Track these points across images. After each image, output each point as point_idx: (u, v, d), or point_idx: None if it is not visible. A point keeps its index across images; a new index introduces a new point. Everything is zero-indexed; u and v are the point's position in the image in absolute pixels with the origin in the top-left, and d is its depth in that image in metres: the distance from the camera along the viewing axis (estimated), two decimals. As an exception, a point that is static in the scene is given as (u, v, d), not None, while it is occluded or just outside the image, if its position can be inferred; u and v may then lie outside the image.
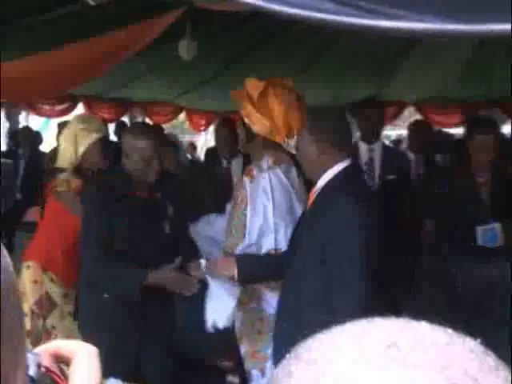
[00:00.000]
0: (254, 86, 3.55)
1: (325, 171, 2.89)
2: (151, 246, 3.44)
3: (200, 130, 12.66)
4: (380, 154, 4.93)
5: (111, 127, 9.49)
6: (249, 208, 3.50)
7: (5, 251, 0.56)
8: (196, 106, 10.90)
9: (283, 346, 2.70)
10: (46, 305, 3.92)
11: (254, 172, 3.58)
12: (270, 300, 3.51)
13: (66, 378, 0.67)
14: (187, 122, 12.56)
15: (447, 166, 6.19)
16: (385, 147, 5.07)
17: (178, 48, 5.24)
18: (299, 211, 3.48)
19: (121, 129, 9.23)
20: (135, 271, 3.34)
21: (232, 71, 7.80)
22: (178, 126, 16.14)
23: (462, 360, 0.47)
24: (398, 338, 0.49)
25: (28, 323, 3.88)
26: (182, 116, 11.97)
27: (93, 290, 3.51)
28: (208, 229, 4.17)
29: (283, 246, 3.45)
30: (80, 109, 9.54)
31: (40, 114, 9.48)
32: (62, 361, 0.69)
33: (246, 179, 3.57)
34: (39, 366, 0.63)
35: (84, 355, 0.69)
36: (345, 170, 2.88)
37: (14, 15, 4.91)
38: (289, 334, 2.75)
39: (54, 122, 9.72)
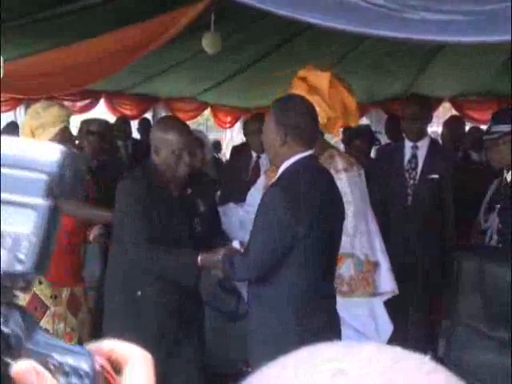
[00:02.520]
0: (319, 77, 3.62)
1: (286, 160, 3.01)
2: (183, 243, 3.42)
3: (225, 127, 12.53)
4: (425, 152, 4.77)
5: (134, 124, 9.36)
6: None
7: None
8: (221, 102, 10.76)
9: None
10: (37, 307, 3.74)
11: (331, 171, 3.59)
12: None
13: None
14: (212, 119, 12.44)
15: (483, 162, 5.98)
16: (432, 145, 4.85)
17: (202, 42, 5.19)
18: (372, 218, 3.59)
19: (144, 126, 9.10)
20: (188, 255, 3.35)
21: (259, 66, 7.69)
22: (203, 123, 16.02)
23: (410, 379, 0.47)
24: (344, 364, 0.48)
25: None
26: (206, 113, 11.83)
27: (126, 289, 3.47)
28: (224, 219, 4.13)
29: (357, 250, 3.49)
30: (102, 105, 9.41)
31: (61, 110, 9.35)
32: (114, 363, 0.67)
33: None
34: (94, 362, 0.62)
35: (139, 362, 0.67)
36: (304, 159, 3.01)
37: (34, 8, 4.83)
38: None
39: (76, 118, 9.60)
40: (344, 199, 3.39)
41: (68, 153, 0.65)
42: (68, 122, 3.87)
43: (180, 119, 4.28)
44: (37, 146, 0.64)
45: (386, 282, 3.64)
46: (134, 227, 3.36)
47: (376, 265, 3.60)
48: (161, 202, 3.39)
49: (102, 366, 0.63)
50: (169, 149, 3.34)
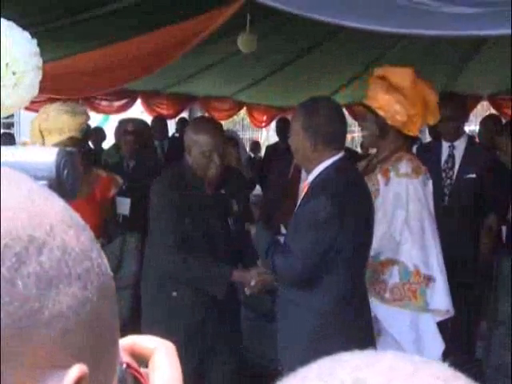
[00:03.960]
0: (400, 74, 3.49)
1: (317, 165, 2.95)
2: (217, 242, 3.47)
3: (261, 126, 12.51)
4: (462, 152, 4.74)
5: (171, 123, 9.40)
6: (379, 212, 3.34)
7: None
8: (257, 101, 10.75)
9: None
10: None
11: (391, 174, 3.49)
12: None
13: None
14: (247, 119, 12.44)
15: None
16: (469, 144, 4.78)
17: (237, 42, 5.22)
18: (431, 232, 3.44)
19: (182, 125, 9.14)
20: (222, 268, 3.39)
21: (294, 65, 7.67)
22: (238, 122, 16.02)
23: None
24: (364, 373, 0.48)
25: None
26: (242, 112, 11.83)
27: (161, 290, 3.51)
28: None
29: (404, 258, 3.37)
30: (138, 105, 9.46)
31: (98, 110, 9.40)
32: (138, 357, 0.68)
33: (381, 178, 3.49)
34: (120, 362, 0.61)
35: (163, 352, 0.67)
36: (335, 163, 2.94)
37: (72, 10, 4.87)
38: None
39: (113, 118, 9.68)
40: (396, 202, 3.35)
41: (63, 153, 0.67)
42: (80, 131, 3.78)
43: (213, 120, 4.30)
44: (34, 151, 0.66)
45: (440, 301, 3.40)
46: (165, 232, 3.41)
47: (429, 279, 3.38)
48: (194, 201, 3.42)
49: (127, 364, 0.63)
50: (199, 149, 3.36)
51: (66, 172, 0.67)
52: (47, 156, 0.66)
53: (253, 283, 3.35)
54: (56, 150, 0.68)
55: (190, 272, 3.40)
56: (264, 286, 3.42)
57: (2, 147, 0.64)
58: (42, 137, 3.69)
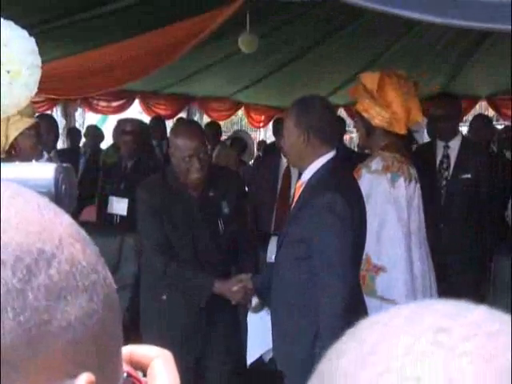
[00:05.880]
0: (370, 79, 3.65)
1: (310, 163, 2.96)
2: (202, 244, 3.42)
3: (258, 127, 12.52)
4: (457, 151, 4.71)
5: (169, 124, 9.39)
6: None
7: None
8: (255, 101, 10.75)
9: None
10: None
11: (363, 171, 3.67)
12: None
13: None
14: (245, 119, 12.44)
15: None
16: (464, 144, 4.78)
17: (238, 42, 5.22)
18: (394, 226, 3.54)
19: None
20: (203, 279, 3.37)
21: (293, 66, 7.67)
22: (236, 122, 16.02)
23: (509, 349, 0.46)
24: (450, 323, 0.48)
25: None
26: (240, 112, 11.83)
27: (154, 292, 3.52)
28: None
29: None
30: (136, 105, 9.46)
31: (96, 110, 9.40)
32: (136, 366, 0.68)
33: (356, 175, 3.57)
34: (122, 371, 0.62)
35: (161, 360, 0.68)
36: (329, 162, 2.95)
37: (71, 10, 4.87)
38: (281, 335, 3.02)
39: (111, 118, 9.68)
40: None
41: (61, 169, 0.70)
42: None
43: (193, 123, 4.27)
44: (32, 167, 0.70)
45: (388, 290, 3.56)
46: (147, 236, 3.46)
47: (379, 269, 3.55)
48: (178, 204, 3.37)
49: (128, 373, 0.64)
50: (179, 154, 3.30)
51: (63, 188, 0.70)
52: (45, 172, 0.69)
53: (235, 288, 3.30)
54: (53, 166, 0.71)
55: (170, 278, 3.40)
56: (247, 295, 3.36)
57: (2, 164, 0.66)
58: (7, 125, 3.72)
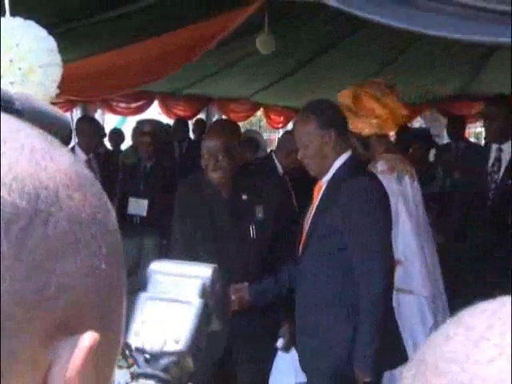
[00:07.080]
0: (344, 96, 3.84)
1: (331, 163, 3.00)
2: (228, 245, 3.35)
3: (277, 128, 12.50)
4: (509, 155, 4.60)
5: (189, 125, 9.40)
6: None
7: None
8: (273, 102, 10.73)
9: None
10: None
11: None
12: None
13: None
14: (264, 120, 12.43)
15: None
16: None
17: (255, 43, 5.18)
18: (406, 222, 3.84)
19: (199, 126, 9.13)
20: None
21: (311, 66, 7.65)
22: (255, 123, 16.03)
23: None
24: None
25: None
26: (259, 113, 11.83)
27: None
28: None
29: None
30: (155, 106, 9.47)
31: (115, 112, 9.42)
32: None
33: None
34: None
35: None
36: (349, 159, 3.02)
37: (90, 10, 4.88)
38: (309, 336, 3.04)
39: (130, 119, 9.70)
40: None
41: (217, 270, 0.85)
42: None
43: (219, 122, 4.27)
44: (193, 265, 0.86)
45: (402, 281, 3.75)
46: (175, 231, 3.52)
47: (396, 263, 3.63)
48: (207, 203, 3.39)
49: None
50: (206, 154, 3.32)
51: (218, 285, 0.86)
52: (204, 271, 0.87)
53: (233, 298, 3.21)
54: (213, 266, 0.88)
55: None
56: (242, 304, 3.26)
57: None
58: None
